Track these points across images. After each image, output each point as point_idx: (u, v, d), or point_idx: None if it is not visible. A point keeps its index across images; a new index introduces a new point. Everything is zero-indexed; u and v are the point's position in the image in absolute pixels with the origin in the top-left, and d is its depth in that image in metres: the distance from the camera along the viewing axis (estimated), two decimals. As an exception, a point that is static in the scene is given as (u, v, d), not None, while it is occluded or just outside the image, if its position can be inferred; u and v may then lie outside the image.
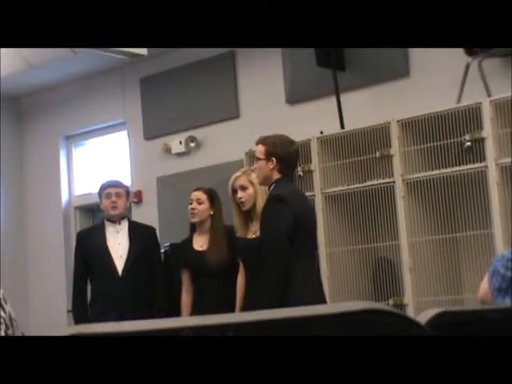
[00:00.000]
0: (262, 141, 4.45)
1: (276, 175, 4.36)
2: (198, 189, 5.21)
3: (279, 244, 4.17)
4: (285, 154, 4.37)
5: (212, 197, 5.13)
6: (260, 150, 4.41)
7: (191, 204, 5.13)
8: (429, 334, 1.04)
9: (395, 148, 5.23)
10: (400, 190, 5.19)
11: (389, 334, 0.99)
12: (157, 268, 5.32)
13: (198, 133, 7.19)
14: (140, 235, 5.30)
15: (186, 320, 0.97)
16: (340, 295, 5.38)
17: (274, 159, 4.34)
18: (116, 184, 5.40)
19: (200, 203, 5.11)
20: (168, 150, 7.34)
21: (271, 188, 4.38)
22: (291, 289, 4.15)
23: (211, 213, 5.11)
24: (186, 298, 5.12)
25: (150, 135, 7.51)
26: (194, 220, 5.14)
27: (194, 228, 5.20)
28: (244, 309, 4.71)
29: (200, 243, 5.13)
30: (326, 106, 6.20)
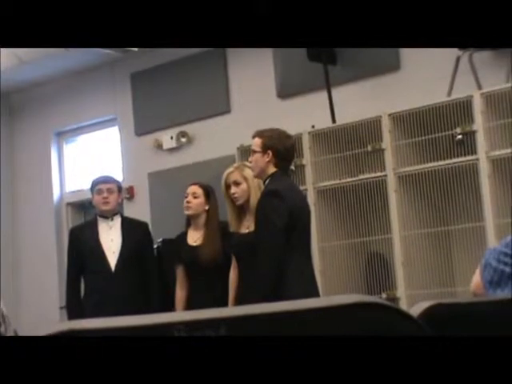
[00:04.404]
0: (259, 134, 4.46)
1: (271, 169, 4.37)
2: (194, 183, 5.21)
3: (274, 239, 4.18)
4: (281, 148, 4.38)
5: (208, 192, 5.12)
6: (256, 142, 4.43)
7: (187, 197, 5.13)
8: (424, 335, 1.04)
9: (387, 142, 5.23)
10: (392, 184, 5.20)
11: (381, 328, 0.99)
12: (150, 264, 5.32)
13: (189, 128, 7.18)
14: (133, 231, 5.29)
15: (178, 315, 0.97)
16: (333, 289, 5.39)
17: (270, 152, 4.36)
18: (107, 180, 5.39)
19: (195, 197, 5.11)
20: (159, 146, 7.33)
21: (266, 182, 4.39)
22: (285, 283, 4.16)
23: (206, 208, 5.10)
24: (180, 294, 5.11)
25: (141, 131, 7.50)
26: (188, 212, 5.13)
27: (189, 223, 5.20)
28: (236, 303, 4.71)
29: (194, 238, 5.12)
30: (318, 100, 6.20)
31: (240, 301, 4.61)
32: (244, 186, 4.69)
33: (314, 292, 4.32)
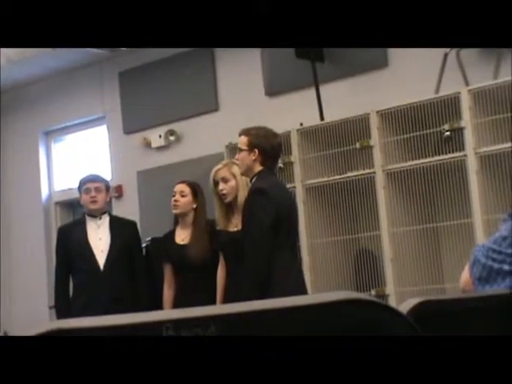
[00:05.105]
0: (246, 132, 4.46)
1: (258, 167, 4.37)
2: (182, 181, 5.20)
3: (261, 237, 4.18)
4: (267, 146, 4.38)
5: (195, 190, 5.11)
6: (243, 140, 4.42)
7: (174, 196, 5.12)
8: (412, 334, 1.04)
9: (375, 139, 5.24)
10: (380, 181, 5.20)
11: (370, 325, 0.99)
12: (139, 263, 5.31)
13: (177, 126, 7.17)
14: (121, 230, 5.28)
15: (167, 313, 0.97)
16: (322, 286, 5.39)
17: (256, 151, 4.35)
18: (95, 178, 5.37)
19: (183, 196, 5.10)
20: (148, 144, 7.32)
21: (253, 181, 4.38)
22: (273, 281, 4.16)
23: (194, 206, 5.10)
24: (167, 293, 5.10)
25: (129, 129, 7.49)
26: (176, 212, 5.12)
27: (177, 221, 5.19)
28: (225, 301, 4.71)
29: (182, 237, 5.11)
30: (306, 97, 6.20)
31: (228, 299, 4.61)
32: (232, 182, 4.69)
33: (301, 290, 4.32)
